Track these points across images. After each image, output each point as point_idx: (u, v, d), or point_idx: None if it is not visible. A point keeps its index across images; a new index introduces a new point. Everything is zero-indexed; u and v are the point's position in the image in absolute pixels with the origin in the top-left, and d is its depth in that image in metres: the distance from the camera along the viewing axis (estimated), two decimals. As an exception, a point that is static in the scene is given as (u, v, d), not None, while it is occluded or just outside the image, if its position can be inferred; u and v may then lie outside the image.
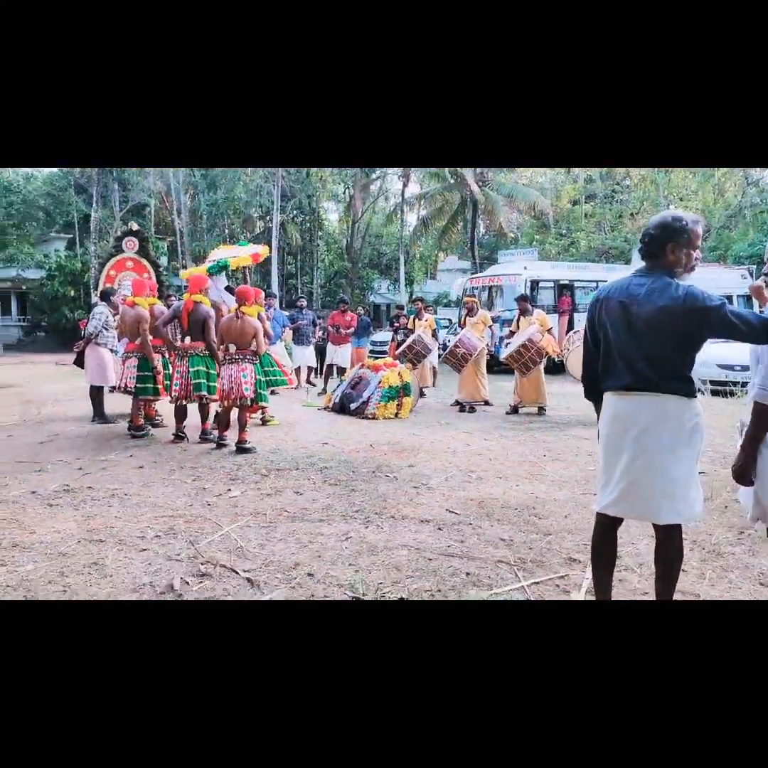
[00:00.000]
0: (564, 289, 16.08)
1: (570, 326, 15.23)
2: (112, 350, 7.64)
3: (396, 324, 12.24)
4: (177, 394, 6.31)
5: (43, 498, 4.44)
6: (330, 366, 11.34)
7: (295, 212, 29.01)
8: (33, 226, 27.05)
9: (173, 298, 10.40)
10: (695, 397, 2.38)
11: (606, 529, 2.58)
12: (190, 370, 6.22)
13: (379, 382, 8.32)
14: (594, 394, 2.63)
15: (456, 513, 4.14)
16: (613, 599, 2.64)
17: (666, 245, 2.36)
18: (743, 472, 2.24)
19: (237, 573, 3.18)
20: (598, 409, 2.62)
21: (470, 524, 3.92)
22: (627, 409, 2.40)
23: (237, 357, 5.94)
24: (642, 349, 2.35)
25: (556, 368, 11.83)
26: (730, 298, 14.03)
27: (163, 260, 26.14)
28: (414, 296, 25.45)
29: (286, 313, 11.90)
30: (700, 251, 2.46)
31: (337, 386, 9.15)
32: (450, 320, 20.12)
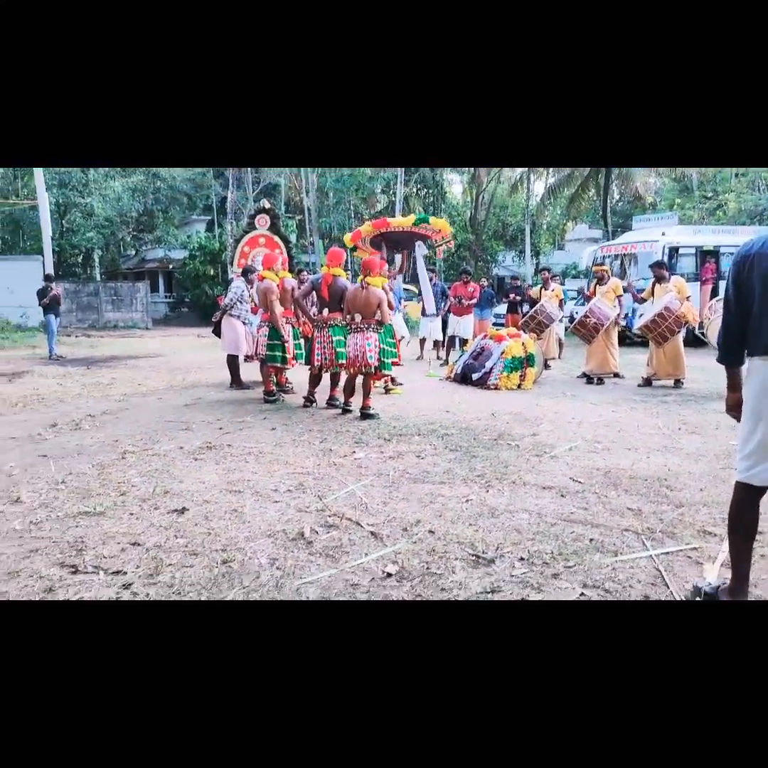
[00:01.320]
0: (707, 255, 14.82)
1: (714, 296, 14.09)
2: (244, 322, 8.13)
3: (511, 295, 11.95)
4: (319, 364, 6.61)
5: (189, 453, 4.87)
6: (452, 337, 11.32)
7: (418, 186, 28.96)
8: (177, 210, 29.15)
9: (305, 273, 10.82)
10: None
11: (747, 498, 2.41)
12: (333, 339, 6.49)
13: (502, 353, 8.21)
14: (730, 358, 2.46)
15: (580, 482, 4.04)
16: (750, 577, 2.48)
17: None
18: None
19: (361, 526, 3.33)
20: (731, 375, 2.46)
21: (595, 493, 3.81)
22: None
23: (362, 326, 6.11)
24: None
25: (695, 341, 11.03)
26: None
27: (293, 237, 27.20)
28: (540, 267, 24.59)
29: (408, 287, 11.98)
30: None
31: (459, 357, 9.14)
32: (579, 291, 19.28)
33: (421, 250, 8.51)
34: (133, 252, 32.55)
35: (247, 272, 8.43)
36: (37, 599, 2.54)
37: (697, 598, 2.47)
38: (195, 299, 25.73)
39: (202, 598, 2.56)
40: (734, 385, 2.48)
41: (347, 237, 8.34)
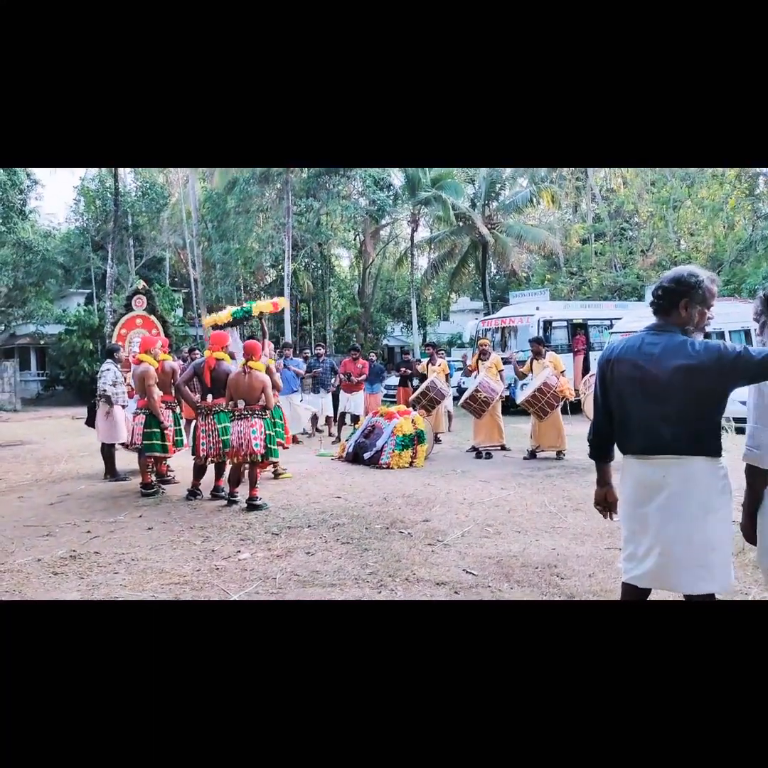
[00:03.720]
0: (578, 328, 15.97)
1: (586, 365, 15.05)
2: (122, 405, 7.61)
3: (402, 369, 12.16)
4: (205, 454, 6.20)
5: (49, 566, 4.32)
6: (343, 414, 11.24)
7: (306, 260, 29.45)
8: (52, 283, 27.63)
9: (197, 352, 10.36)
10: (721, 455, 2.24)
11: (634, 599, 2.40)
12: (218, 427, 6.14)
13: (393, 431, 8.19)
14: (598, 455, 2.50)
15: (473, 574, 3.95)
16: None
17: (680, 301, 2.26)
18: (746, 532, 2.27)
19: (242, 649, 3.01)
20: (599, 470, 2.51)
21: (488, 586, 3.73)
22: (651, 474, 2.26)
23: (246, 413, 5.86)
24: (662, 410, 2.22)
25: (573, 408, 11.65)
26: (748, 332, 13.84)
27: (178, 312, 26.48)
28: (427, 339, 25.44)
29: (301, 359, 11.88)
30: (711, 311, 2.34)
31: (351, 435, 9.04)
32: (462, 358, 20.04)
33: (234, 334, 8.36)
34: (2, 327, 30.36)
35: (111, 352, 7.97)
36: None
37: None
38: (71, 377, 24.17)
39: None
40: (602, 480, 2.51)
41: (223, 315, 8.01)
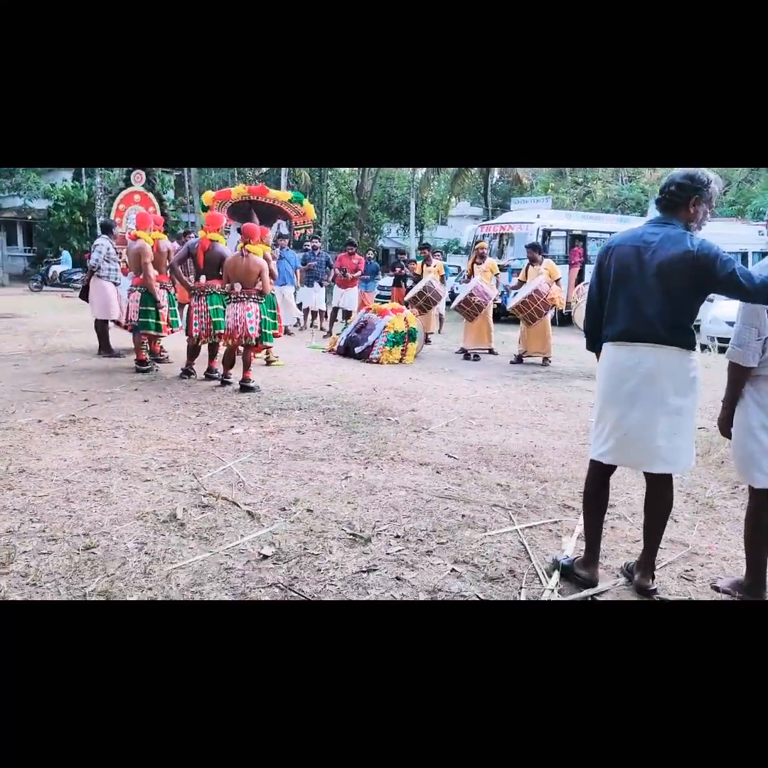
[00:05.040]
0: (576, 239, 15.79)
1: (580, 278, 15.04)
2: (114, 283, 7.59)
3: (397, 269, 12.10)
4: (197, 335, 6.27)
5: (49, 427, 4.51)
6: (336, 309, 11.29)
7: (305, 150, 28.16)
8: (38, 154, 26.36)
9: (191, 235, 10.21)
10: (694, 349, 2.40)
11: (599, 476, 2.62)
12: (209, 308, 6.19)
13: (385, 327, 8.30)
14: (595, 346, 2.64)
15: (455, 458, 4.20)
16: (602, 549, 2.68)
17: (691, 197, 2.37)
18: (723, 426, 2.49)
19: (238, 505, 3.25)
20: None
21: (468, 469, 3.98)
22: (627, 359, 2.41)
23: (242, 296, 5.91)
24: (651, 295, 2.34)
25: (563, 319, 11.75)
26: (745, 254, 13.81)
27: (170, 194, 25.62)
28: (423, 242, 24.99)
29: (298, 254, 11.75)
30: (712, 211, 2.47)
31: (343, 329, 9.14)
32: (459, 267, 19.85)
33: (281, 228, 8.41)
34: (-14, 198, 29.23)
35: (108, 228, 7.84)
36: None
37: (556, 571, 2.66)
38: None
39: (61, 589, 2.40)
40: None
41: (209, 195, 7.92)
